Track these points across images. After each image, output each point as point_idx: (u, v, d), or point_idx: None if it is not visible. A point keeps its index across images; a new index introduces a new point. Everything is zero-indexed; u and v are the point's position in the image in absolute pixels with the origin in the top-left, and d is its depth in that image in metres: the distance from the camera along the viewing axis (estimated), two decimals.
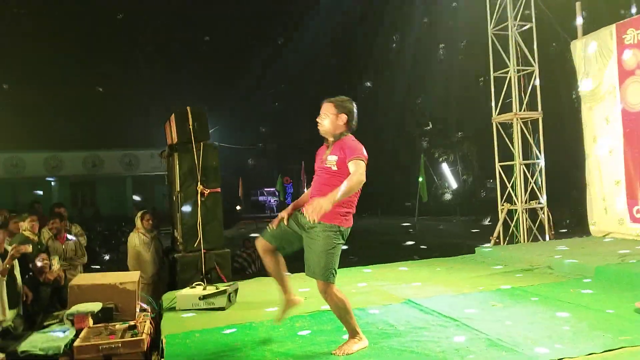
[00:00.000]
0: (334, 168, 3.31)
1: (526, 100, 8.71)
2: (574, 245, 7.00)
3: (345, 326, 3.37)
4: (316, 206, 2.96)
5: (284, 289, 3.61)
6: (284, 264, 3.56)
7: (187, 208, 6.11)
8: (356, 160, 3.21)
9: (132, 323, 3.92)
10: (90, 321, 3.93)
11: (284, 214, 3.48)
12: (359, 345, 3.33)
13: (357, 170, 3.16)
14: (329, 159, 3.34)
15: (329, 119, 3.37)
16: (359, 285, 5.29)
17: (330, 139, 3.40)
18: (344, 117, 3.37)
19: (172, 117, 6.47)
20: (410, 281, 5.44)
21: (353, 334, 3.35)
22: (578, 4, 8.32)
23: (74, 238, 6.27)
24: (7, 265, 4.32)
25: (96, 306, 4.03)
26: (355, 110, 3.43)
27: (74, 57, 24.10)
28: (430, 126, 23.11)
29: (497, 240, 8.71)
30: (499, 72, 8.98)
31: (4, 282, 4.36)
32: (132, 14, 26.26)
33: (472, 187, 23.05)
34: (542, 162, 8.78)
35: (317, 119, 3.43)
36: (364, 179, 3.18)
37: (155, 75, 27.89)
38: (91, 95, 24.78)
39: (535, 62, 8.74)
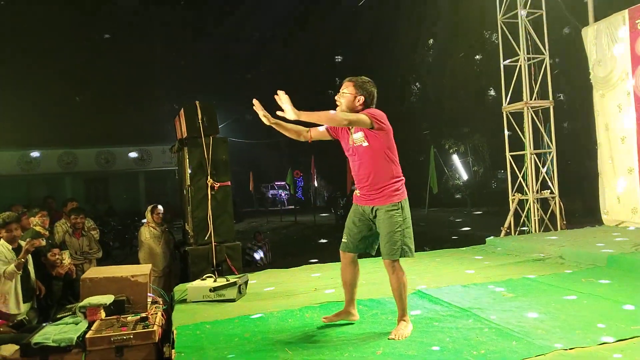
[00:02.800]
0: (365, 144, 3.33)
1: (537, 88, 8.61)
2: (586, 235, 6.94)
3: (398, 305, 3.47)
4: (288, 113, 3.05)
5: (349, 300, 3.71)
6: (358, 276, 3.69)
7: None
8: (361, 114, 3.25)
9: (143, 315, 3.96)
10: (102, 313, 3.98)
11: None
12: (409, 329, 3.41)
13: (350, 115, 3.22)
14: (355, 138, 3.36)
15: (346, 99, 3.37)
16: (370, 275, 5.28)
17: None
18: (361, 99, 3.37)
19: (182, 111, 6.51)
20: (421, 272, 5.42)
21: (403, 314, 3.45)
22: None
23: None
24: (22, 260, 4.38)
25: (108, 299, 4.07)
26: (375, 92, 3.42)
27: (86, 54, 24.25)
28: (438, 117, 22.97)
29: (508, 231, 8.65)
30: (509, 60, 8.88)
31: (19, 277, 4.43)
32: (143, 8, 26.37)
33: (483, 178, 22.89)
34: (553, 151, 8.69)
35: (336, 97, 3.42)
36: (345, 120, 3.20)
37: (166, 69, 27.99)
38: (104, 92, 24.97)
39: (545, 50, 8.63)
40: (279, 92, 3.06)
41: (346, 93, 3.38)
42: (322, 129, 3.55)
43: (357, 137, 3.36)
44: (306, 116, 3.11)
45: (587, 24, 8.19)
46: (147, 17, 26.66)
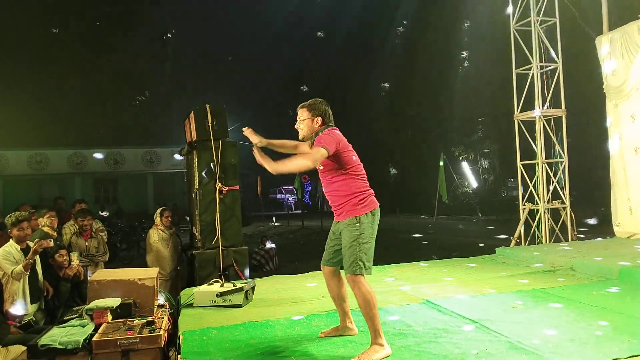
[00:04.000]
0: (321, 167, 3.44)
1: (549, 97, 8.54)
2: (598, 247, 6.85)
3: (368, 325, 3.26)
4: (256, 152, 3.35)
5: (343, 314, 3.66)
6: (345, 290, 3.61)
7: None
8: (317, 147, 3.32)
9: (150, 319, 3.94)
10: (109, 316, 3.97)
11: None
12: (381, 355, 3.17)
13: (310, 156, 3.31)
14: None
15: (304, 124, 3.53)
16: (377, 284, 5.24)
17: (311, 141, 3.52)
18: (319, 120, 3.51)
19: (192, 114, 6.50)
20: (429, 281, 5.38)
21: (375, 336, 3.23)
22: None
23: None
24: (30, 260, 4.39)
25: (115, 302, 4.06)
26: (329, 110, 3.56)
27: (97, 55, 24.45)
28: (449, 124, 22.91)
29: (518, 241, 8.56)
30: (522, 68, 8.82)
31: (27, 277, 4.44)
32: (153, 10, 26.55)
33: (493, 186, 22.75)
34: (565, 161, 8.60)
35: (295, 126, 3.58)
36: (309, 165, 3.30)
37: (177, 72, 28.15)
38: (114, 93, 25.15)
39: (558, 58, 8.56)
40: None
41: (303, 119, 3.52)
42: (306, 148, 3.58)
43: None
44: (272, 169, 3.28)
45: (601, 33, 8.12)
46: (158, 16, 26.83)
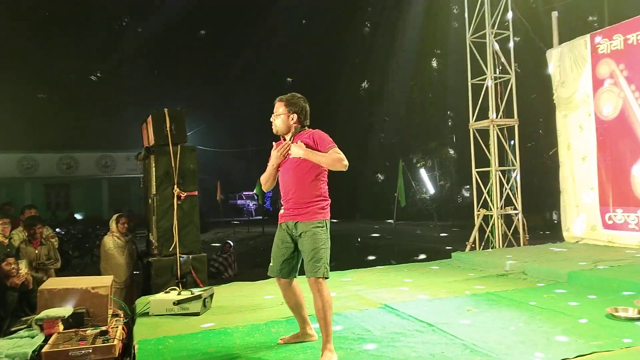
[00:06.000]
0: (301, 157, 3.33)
1: (503, 107, 8.84)
2: (548, 251, 7.12)
3: (323, 328, 3.25)
4: (294, 149, 3.28)
5: (302, 321, 3.62)
6: (302, 297, 3.56)
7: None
8: (334, 148, 3.29)
9: (103, 328, 3.82)
10: (61, 326, 3.83)
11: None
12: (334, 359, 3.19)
13: (341, 155, 3.26)
14: (293, 150, 3.35)
15: (280, 119, 3.44)
16: (336, 289, 5.27)
17: (287, 137, 3.45)
18: (294, 117, 3.43)
19: (149, 118, 6.38)
20: (388, 286, 5.45)
21: (327, 340, 3.23)
22: (554, 14, 8.50)
23: None
24: None
25: (67, 311, 3.92)
26: (307, 107, 3.48)
27: (49, 57, 23.63)
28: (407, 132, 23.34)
29: (473, 246, 8.79)
30: (477, 79, 9.09)
31: None
32: (110, 13, 25.93)
33: (450, 193, 23.27)
34: (517, 169, 8.91)
35: (271, 119, 3.48)
36: (347, 164, 3.27)
37: (133, 75, 27.53)
38: (67, 95, 24.33)
39: (511, 70, 8.88)
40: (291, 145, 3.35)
41: (279, 114, 3.44)
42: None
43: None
44: (317, 159, 3.27)
45: (552, 46, 8.47)
46: (114, 19, 26.23)
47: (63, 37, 24.23)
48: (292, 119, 3.42)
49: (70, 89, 24.24)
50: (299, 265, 3.48)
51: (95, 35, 25.36)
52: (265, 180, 3.54)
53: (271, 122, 3.50)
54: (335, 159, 3.24)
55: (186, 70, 28.43)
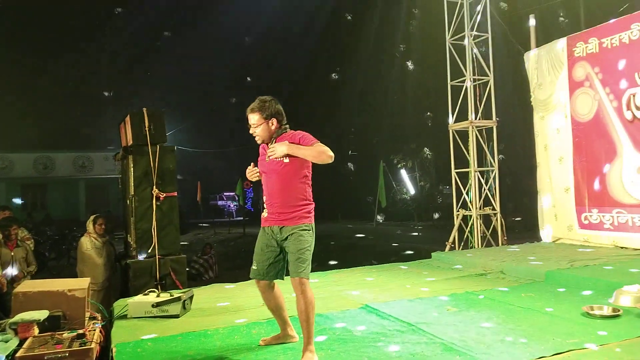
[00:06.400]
0: (286, 160, 3.29)
1: (481, 109, 8.95)
2: (526, 251, 7.22)
3: (305, 330, 3.22)
4: (278, 148, 3.21)
5: (283, 324, 3.59)
6: (282, 298, 3.55)
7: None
8: (317, 144, 3.26)
9: (80, 332, 3.75)
10: (36, 330, 3.74)
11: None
12: None
13: (326, 148, 3.23)
14: (277, 149, 3.29)
15: (260, 128, 3.37)
16: (317, 290, 5.26)
17: (272, 142, 3.39)
18: (274, 121, 3.38)
19: (128, 118, 6.30)
20: (368, 286, 5.47)
21: (309, 342, 3.22)
22: (532, 17, 8.63)
23: None
24: None
25: (42, 314, 3.84)
26: (280, 107, 3.42)
27: (26, 55, 23.17)
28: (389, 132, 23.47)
29: (453, 245, 8.89)
30: (456, 80, 9.19)
31: None
32: (87, 11, 25.51)
33: (430, 193, 23.48)
34: (495, 169, 9.03)
35: (251, 132, 3.41)
36: (333, 156, 3.23)
37: (112, 74, 27.14)
38: (44, 94, 23.87)
39: (490, 72, 9.00)
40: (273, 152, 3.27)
41: (258, 124, 3.35)
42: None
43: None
44: (302, 154, 3.24)
45: (530, 49, 8.61)
46: (92, 17, 25.83)
47: (39, 35, 23.77)
48: (272, 124, 3.36)
49: (47, 88, 23.78)
50: (285, 268, 3.45)
51: (72, 33, 24.94)
52: None
53: (252, 135, 3.42)
54: (320, 150, 3.21)
55: (165, 70, 28.15)
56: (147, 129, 6.04)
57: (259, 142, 3.45)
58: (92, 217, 6.34)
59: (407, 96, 22.21)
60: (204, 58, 28.61)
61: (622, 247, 6.96)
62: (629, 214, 6.97)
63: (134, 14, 26.58)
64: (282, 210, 3.31)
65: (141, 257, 5.92)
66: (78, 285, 4.23)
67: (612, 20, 7.35)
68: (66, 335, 3.71)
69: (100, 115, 25.09)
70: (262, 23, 26.63)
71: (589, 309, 4.04)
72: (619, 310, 3.98)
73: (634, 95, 6.85)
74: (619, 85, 7.05)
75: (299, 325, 3.29)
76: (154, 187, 5.99)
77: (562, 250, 7.09)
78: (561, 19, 13.04)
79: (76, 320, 3.98)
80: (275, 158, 3.29)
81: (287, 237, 3.30)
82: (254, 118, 3.37)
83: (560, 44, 7.94)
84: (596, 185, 7.43)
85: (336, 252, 12.50)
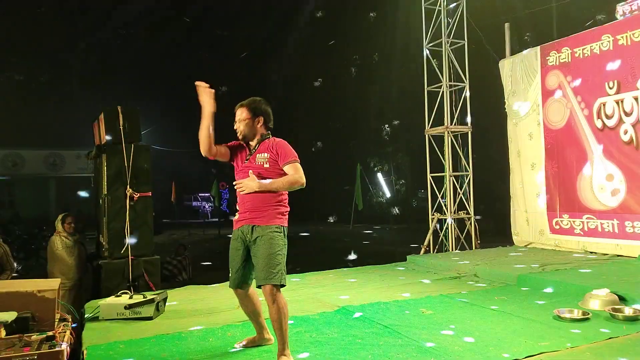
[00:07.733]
0: (266, 165, 3.27)
1: (457, 114, 9.08)
2: (499, 254, 7.35)
3: (279, 337, 3.18)
4: (247, 184, 3.20)
5: (259, 327, 3.56)
6: (260, 304, 3.50)
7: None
8: (294, 163, 3.25)
9: (50, 333, 3.65)
10: (3, 332, 3.63)
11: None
12: None
13: (298, 173, 3.22)
14: (258, 157, 3.31)
15: (245, 124, 3.36)
16: (293, 293, 5.25)
17: (253, 143, 3.38)
18: (260, 120, 3.38)
19: (101, 115, 6.19)
20: (344, 288, 5.48)
21: (284, 348, 3.17)
22: (507, 25, 8.80)
23: None
24: None
25: (10, 315, 3.72)
26: (270, 110, 3.44)
27: None
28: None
29: (428, 249, 8.98)
30: (432, 86, 9.30)
31: None
32: (59, 5, 24.99)
33: (405, 197, 23.71)
34: (470, 174, 9.17)
35: (235, 127, 3.40)
36: (304, 182, 3.23)
37: (85, 70, 26.62)
38: (13, 89, 23.25)
39: (466, 78, 9.14)
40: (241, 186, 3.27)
41: (243, 119, 3.36)
42: (224, 149, 3.43)
43: (261, 157, 3.30)
44: (276, 187, 3.22)
45: (504, 56, 8.77)
46: (64, 12, 25.30)
47: (10, 29, 23.14)
48: (259, 122, 3.37)
49: (17, 82, 23.17)
50: (251, 274, 3.36)
51: (45, 28, 24.35)
52: (202, 140, 3.31)
53: (235, 130, 3.40)
54: (291, 181, 3.21)
55: (139, 68, 27.73)
56: (121, 127, 5.94)
57: (240, 137, 3.40)
58: (60, 216, 6.19)
59: (384, 100, 22.40)
60: (180, 56, 28.31)
61: (591, 252, 7.15)
62: (598, 219, 7.15)
63: (109, 10, 26.15)
64: (253, 209, 3.24)
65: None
66: (48, 286, 4.12)
67: (584, 31, 7.54)
68: (35, 337, 3.61)
69: (74, 112, 24.55)
70: (242, 27, 26.55)
71: (559, 312, 4.13)
72: (588, 314, 4.09)
73: (604, 104, 7.04)
74: (590, 94, 7.24)
75: (275, 332, 3.24)
76: (128, 186, 5.89)
77: (533, 255, 7.24)
78: (535, 27, 13.31)
79: (46, 322, 3.87)
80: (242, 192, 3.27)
81: (256, 239, 3.20)
82: (242, 113, 3.37)
83: (534, 52, 8.11)
84: (568, 190, 7.60)
85: (311, 254, 12.49)
